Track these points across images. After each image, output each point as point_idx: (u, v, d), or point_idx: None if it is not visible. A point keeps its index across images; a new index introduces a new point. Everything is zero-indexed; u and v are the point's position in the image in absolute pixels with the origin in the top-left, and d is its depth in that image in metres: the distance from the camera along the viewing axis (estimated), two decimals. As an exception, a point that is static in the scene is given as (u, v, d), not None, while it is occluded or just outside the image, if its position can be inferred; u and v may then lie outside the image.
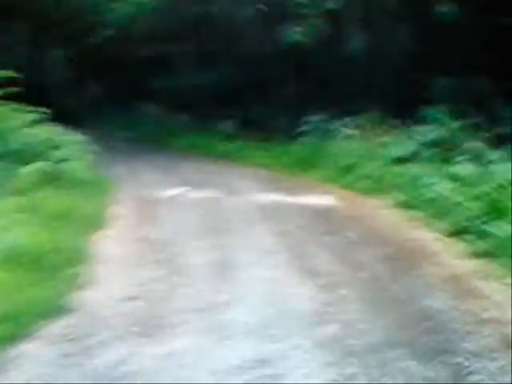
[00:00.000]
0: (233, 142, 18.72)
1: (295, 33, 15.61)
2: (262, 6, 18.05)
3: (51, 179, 10.18)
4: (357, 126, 15.32)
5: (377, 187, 11.90)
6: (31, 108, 13.12)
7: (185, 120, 22.35)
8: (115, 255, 7.46)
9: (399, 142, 13.95)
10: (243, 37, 24.08)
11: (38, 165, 10.66)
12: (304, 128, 16.40)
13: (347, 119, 15.58)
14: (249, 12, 21.11)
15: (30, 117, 15.71)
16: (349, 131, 15.24)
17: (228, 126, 20.22)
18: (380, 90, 17.18)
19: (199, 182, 12.72)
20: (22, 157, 11.69)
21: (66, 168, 10.89)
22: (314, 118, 16.31)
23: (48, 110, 12.71)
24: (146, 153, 17.67)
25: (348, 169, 13.39)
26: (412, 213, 10.00)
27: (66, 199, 9.25)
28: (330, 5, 15.81)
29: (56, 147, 12.44)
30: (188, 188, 12.01)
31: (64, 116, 26.71)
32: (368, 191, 11.91)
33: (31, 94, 27.90)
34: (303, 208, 10.53)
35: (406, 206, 10.50)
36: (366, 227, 9.36)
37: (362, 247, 8.12)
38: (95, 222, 8.61)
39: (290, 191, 12.05)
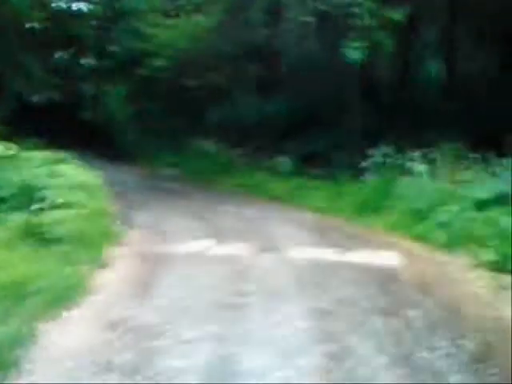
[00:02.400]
0: (287, 180, 16.27)
1: (356, 48, 12.91)
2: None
3: (33, 232, 7.88)
4: (429, 162, 12.61)
5: (456, 240, 9.21)
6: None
7: (238, 155, 19.96)
8: (65, 353, 5.03)
9: (481, 180, 11.22)
10: (301, 63, 21.94)
11: (22, 214, 8.45)
12: (367, 164, 13.80)
13: (417, 153, 12.90)
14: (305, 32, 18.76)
15: (53, 156, 14.01)
16: (420, 167, 12.55)
17: (284, 161, 17.74)
18: (456, 119, 14.58)
19: (232, 233, 10.32)
20: (20, 201, 9.74)
21: (58, 217, 8.60)
22: (379, 152, 13.68)
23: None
24: (184, 193, 15.41)
25: (419, 215, 10.75)
26: (507, 279, 7.25)
27: (36, 262, 6.91)
28: (397, 16, 13.06)
29: (59, 190, 10.25)
30: (215, 240, 9.53)
31: (114, 152, 25.53)
32: (445, 245, 9.27)
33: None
34: (357, 270, 7.99)
35: (497, 267, 7.80)
36: (441, 302, 6.73)
37: (434, 339, 5.49)
38: (59, 299, 6.21)
39: (343, 245, 9.52)
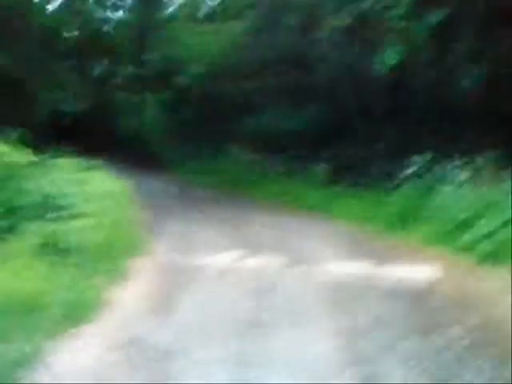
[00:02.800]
0: (324, 190, 15.73)
1: (393, 52, 12.30)
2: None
3: (49, 243, 7.50)
4: (472, 170, 11.95)
5: (501, 253, 8.56)
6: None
7: (274, 164, 19.50)
8: (70, 375, 4.63)
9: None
10: (337, 71, 21.40)
11: (39, 224, 8.08)
12: (406, 173, 13.19)
13: (459, 161, 12.26)
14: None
15: (82, 164, 13.74)
16: (462, 176, 11.89)
17: (321, 171, 17.20)
18: (497, 126, 13.89)
19: (263, 244, 9.86)
20: (39, 209, 9.38)
21: (76, 227, 8.22)
22: (418, 160, 13.05)
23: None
24: (217, 203, 15.02)
25: (462, 226, 10.11)
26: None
27: (50, 274, 6.53)
28: (436, 17, 12.43)
29: (81, 198, 9.90)
30: (245, 252, 9.07)
31: (151, 161, 25.29)
32: (489, 259, 8.62)
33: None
34: (392, 286, 7.41)
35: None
36: (483, 321, 6.12)
37: (475, 361, 4.93)
38: (71, 314, 5.80)
39: (379, 258, 8.98)
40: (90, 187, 10.89)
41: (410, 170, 13.05)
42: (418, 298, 7.04)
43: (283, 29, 22.17)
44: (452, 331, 5.73)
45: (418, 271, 8.16)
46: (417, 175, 12.92)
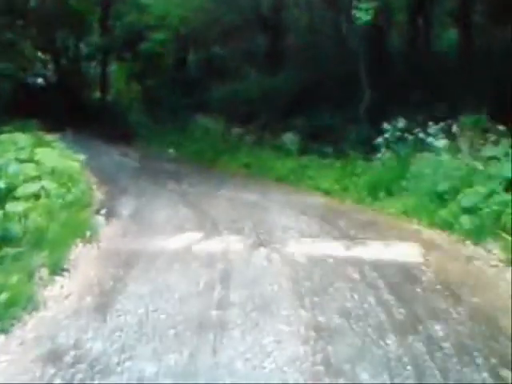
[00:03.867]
0: (294, 159, 14.86)
1: (366, 9, 11.36)
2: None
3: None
4: (450, 136, 11.11)
5: (485, 228, 7.77)
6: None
7: (242, 133, 18.54)
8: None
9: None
10: (309, 34, 20.49)
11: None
12: (381, 139, 12.33)
13: (436, 127, 11.42)
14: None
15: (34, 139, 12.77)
16: (440, 143, 11.06)
17: (291, 139, 16.29)
18: (477, 90, 13.08)
19: (226, 223, 8.96)
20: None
21: (14, 211, 7.26)
22: (393, 127, 12.19)
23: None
24: (181, 177, 14.06)
25: (440, 198, 9.31)
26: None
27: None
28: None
29: (26, 177, 8.92)
30: (204, 233, 8.16)
31: (117, 132, 24.19)
32: (472, 234, 7.82)
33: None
34: (368, 269, 6.54)
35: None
36: (473, 311, 5.29)
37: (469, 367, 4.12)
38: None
39: (353, 236, 8.14)
40: (36, 165, 9.87)
41: (385, 137, 12.16)
42: (398, 281, 6.17)
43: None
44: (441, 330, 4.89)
45: (398, 252, 7.30)
46: (393, 142, 12.05)
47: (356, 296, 5.83)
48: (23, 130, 16.51)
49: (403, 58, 18.52)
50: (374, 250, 7.38)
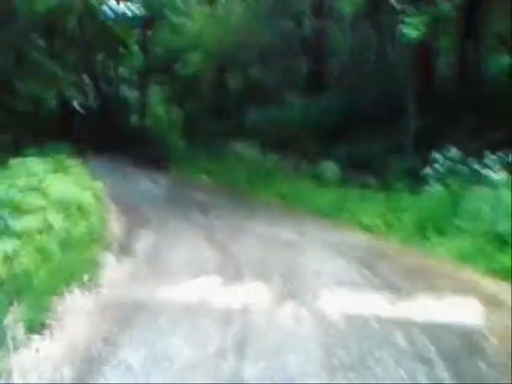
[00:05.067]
0: (335, 190, 13.61)
1: (415, 24, 10.09)
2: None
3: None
4: (509, 168, 9.80)
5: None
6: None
7: (279, 161, 17.38)
8: None
9: None
10: (353, 58, 19.36)
11: None
12: (429, 170, 11.05)
13: (493, 157, 10.11)
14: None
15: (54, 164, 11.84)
16: (498, 175, 9.74)
17: (330, 167, 15.07)
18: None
19: (251, 266, 7.80)
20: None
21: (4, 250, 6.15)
22: (444, 156, 10.90)
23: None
24: (210, 207, 13.04)
25: (502, 240, 7.99)
26: None
27: None
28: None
29: (30, 209, 7.90)
30: (224, 279, 6.97)
31: (150, 157, 23.26)
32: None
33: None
34: (419, 335, 5.32)
35: None
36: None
37: None
38: None
39: (398, 286, 6.85)
40: (42, 194, 8.82)
41: (435, 168, 10.86)
42: (455, 358, 4.90)
43: (291, 12, 20.09)
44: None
45: (453, 309, 6.01)
46: (444, 174, 10.75)
47: (402, 372, 4.57)
48: (52, 153, 15.70)
49: (452, 83, 17.22)
50: (424, 307, 6.11)
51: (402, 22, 10.21)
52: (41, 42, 22.64)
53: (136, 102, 32.77)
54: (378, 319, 5.68)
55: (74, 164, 13.56)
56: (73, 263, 6.93)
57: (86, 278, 6.73)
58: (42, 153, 14.72)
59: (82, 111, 28.73)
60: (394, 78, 16.13)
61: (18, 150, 14.58)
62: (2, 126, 16.20)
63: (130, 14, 31.01)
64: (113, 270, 7.56)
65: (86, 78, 31.24)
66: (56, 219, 7.92)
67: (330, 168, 15.08)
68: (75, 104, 27.88)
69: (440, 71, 17.87)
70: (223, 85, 23.99)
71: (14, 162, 11.16)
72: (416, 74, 15.12)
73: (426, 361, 4.81)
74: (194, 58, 21.49)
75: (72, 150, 19.77)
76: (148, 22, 29.08)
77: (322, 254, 8.60)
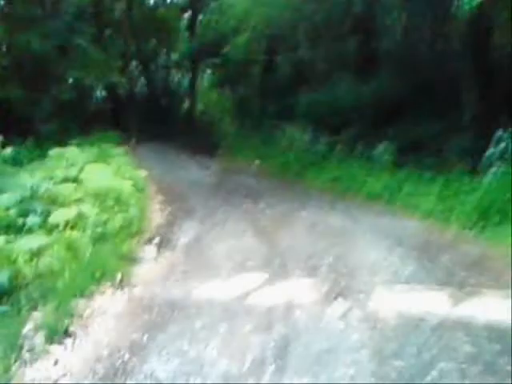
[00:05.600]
0: (389, 174, 12.82)
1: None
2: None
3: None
4: None
5: None
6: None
7: (332, 144, 16.63)
8: None
9: None
10: (406, 33, 18.40)
11: None
12: (493, 150, 10.21)
13: None
14: None
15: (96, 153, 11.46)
16: None
17: (386, 150, 14.27)
18: None
19: (299, 258, 7.15)
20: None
21: (36, 245, 5.73)
22: (510, 135, 10.05)
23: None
24: (260, 194, 12.45)
25: None
26: None
27: None
28: None
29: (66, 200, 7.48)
30: (269, 274, 6.38)
31: (199, 143, 22.84)
32: None
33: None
34: (486, 339, 4.67)
35: None
36: None
37: None
38: None
39: (461, 281, 6.14)
40: (78, 185, 8.38)
41: (498, 149, 10.02)
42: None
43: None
44: None
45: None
46: (508, 154, 9.91)
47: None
48: (98, 141, 15.40)
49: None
50: (491, 305, 5.41)
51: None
52: (88, 30, 22.28)
53: (186, 88, 32.38)
54: (440, 321, 5.03)
55: (118, 153, 13.17)
56: (106, 260, 6.44)
57: (119, 275, 6.22)
58: (87, 141, 14.43)
59: (130, 98, 28.61)
60: (449, 54, 15.19)
61: (63, 138, 14.27)
62: (47, 115, 15.90)
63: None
64: (150, 265, 7.06)
65: (135, 65, 31.01)
66: (91, 212, 7.46)
67: (385, 150, 14.27)
68: (122, 91, 27.65)
69: (497, 45, 16.80)
70: (273, 67, 23.25)
71: (54, 151, 10.76)
72: (473, 48, 14.15)
73: (497, 373, 4.14)
74: (243, 40, 20.78)
75: (120, 138, 19.53)
76: (197, 4, 28.57)
77: (377, 243, 7.94)
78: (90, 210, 7.58)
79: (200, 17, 29.57)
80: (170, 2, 31.13)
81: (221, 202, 11.72)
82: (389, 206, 11.14)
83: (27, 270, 5.55)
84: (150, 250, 7.68)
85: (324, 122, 17.80)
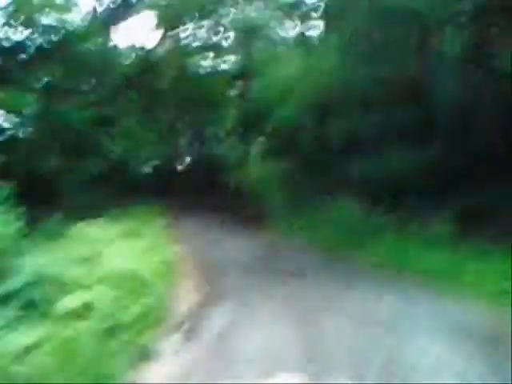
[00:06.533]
0: (449, 250, 11.54)
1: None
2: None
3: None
4: None
5: None
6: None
7: (385, 219, 15.43)
8: None
9: None
10: (461, 98, 17.27)
11: None
12: None
13: None
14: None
15: (123, 230, 10.55)
16: None
17: (442, 223, 13.01)
18: None
19: (343, 359, 5.92)
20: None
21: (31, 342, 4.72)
22: None
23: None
24: (300, 277, 11.18)
25: None
26: None
27: None
28: None
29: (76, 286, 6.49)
30: (306, 379, 5.19)
31: (247, 215, 21.91)
32: None
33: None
34: None
35: None
36: None
37: None
38: None
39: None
40: (94, 267, 7.39)
41: None
42: None
43: (392, 56, 18.24)
44: None
45: None
46: None
47: None
48: (138, 215, 14.61)
49: None
50: None
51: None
52: (132, 101, 21.90)
53: (235, 159, 31.73)
54: None
55: (154, 227, 12.22)
56: (112, 358, 5.35)
57: (129, 375, 5.12)
58: (123, 215, 13.62)
59: (177, 170, 28.04)
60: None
61: (97, 212, 13.49)
62: (81, 187, 15.21)
63: (226, 67, 30.30)
64: (168, 362, 5.95)
65: (183, 138, 30.59)
66: (105, 299, 6.42)
67: (443, 224, 13.02)
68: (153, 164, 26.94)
69: None
70: (322, 137, 22.31)
71: (76, 227, 9.85)
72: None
73: None
74: (291, 108, 19.99)
75: (163, 212, 18.73)
76: (249, 72, 28.06)
77: (436, 340, 6.65)
78: (104, 296, 6.55)
79: (251, 85, 28.96)
80: (222, 71, 30.66)
81: (260, 282, 10.61)
82: (450, 289, 9.83)
83: (17, 369, 4.52)
84: (172, 342, 6.57)
85: (377, 194, 16.66)
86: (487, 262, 10.10)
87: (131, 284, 7.40)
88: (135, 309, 6.83)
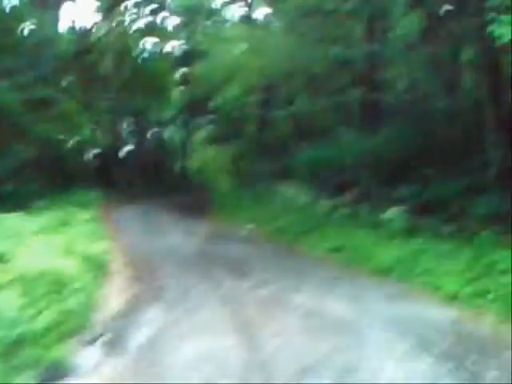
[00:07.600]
0: (401, 242, 10.86)
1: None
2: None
3: None
4: None
5: None
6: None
7: (334, 206, 14.75)
8: None
9: None
10: (417, 79, 16.69)
11: None
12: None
13: None
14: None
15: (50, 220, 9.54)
16: None
17: (397, 213, 12.35)
18: None
19: (291, 373, 5.05)
20: None
21: None
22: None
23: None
24: (248, 267, 10.49)
25: None
26: None
27: None
28: None
29: None
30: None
31: (192, 203, 20.99)
32: None
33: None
34: None
35: None
36: None
37: None
38: None
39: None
40: (10, 265, 6.41)
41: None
42: None
43: (341, 38, 17.54)
44: None
45: None
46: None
47: None
48: (71, 204, 13.62)
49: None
50: None
51: (495, 21, 7.58)
52: (70, 84, 20.73)
53: (179, 144, 30.77)
54: None
55: (84, 219, 11.20)
56: (16, 375, 4.42)
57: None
58: (52, 205, 12.56)
59: (118, 156, 26.93)
60: (467, 102, 13.44)
61: (26, 201, 12.36)
62: (8, 173, 14.06)
63: (173, 51, 29.26)
64: (86, 378, 5.01)
65: (124, 121, 29.48)
66: (11, 305, 5.45)
67: (395, 215, 12.36)
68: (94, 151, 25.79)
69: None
70: (269, 121, 21.53)
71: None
72: (492, 97, 12.41)
73: None
74: (233, 91, 19.11)
75: (101, 199, 17.67)
76: (191, 58, 27.07)
77: (393, 346, 5.91)
78: (9, 302, 5.58)
79: (196, 67, 28.02)
80: (166, 54, 29.53)
81: (200, 281, 9.71)
82: (402, 283, 9.16)
83: None
84: (91, 355, 5.65)
85: (324, 181, 15.98)
86: (445, 259, 9.43)
87: (48, 286, 6.44)
88: (50, 315, 5.88)
